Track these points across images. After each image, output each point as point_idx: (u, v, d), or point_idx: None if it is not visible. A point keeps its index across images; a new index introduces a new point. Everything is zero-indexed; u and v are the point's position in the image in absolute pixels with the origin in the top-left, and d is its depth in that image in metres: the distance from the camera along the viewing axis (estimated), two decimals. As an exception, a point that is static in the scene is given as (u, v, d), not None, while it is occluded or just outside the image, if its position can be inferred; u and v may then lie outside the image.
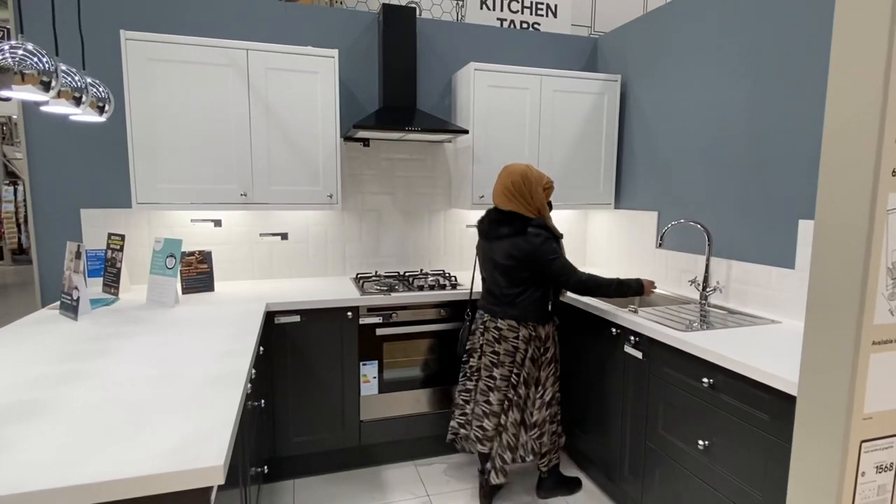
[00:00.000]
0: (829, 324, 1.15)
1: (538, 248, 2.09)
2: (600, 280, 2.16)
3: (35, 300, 2.62)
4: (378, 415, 2.58)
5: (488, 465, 2.25)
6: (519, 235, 2.12)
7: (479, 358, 2.26)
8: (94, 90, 1.69)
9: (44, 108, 1.48)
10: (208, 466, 0.95)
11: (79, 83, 1.46)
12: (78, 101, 1.46)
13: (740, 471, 1.64)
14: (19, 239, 9.02)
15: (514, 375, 2.19)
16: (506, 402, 2.20)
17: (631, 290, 2.21)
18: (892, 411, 1.18)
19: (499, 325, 2.19)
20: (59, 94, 1.40)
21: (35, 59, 1.21)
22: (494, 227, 2.19)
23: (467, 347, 2.35)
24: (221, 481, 0.96)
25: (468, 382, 2.32)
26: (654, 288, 2.30)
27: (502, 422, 2.20)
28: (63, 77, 1.41)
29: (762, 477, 1.57)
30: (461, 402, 2.34)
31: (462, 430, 2.33)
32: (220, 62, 2.40)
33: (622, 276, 2.36)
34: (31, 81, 1.20)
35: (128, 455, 0.98)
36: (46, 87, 1.23)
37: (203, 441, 1.04)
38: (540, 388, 2.21)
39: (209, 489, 0.98)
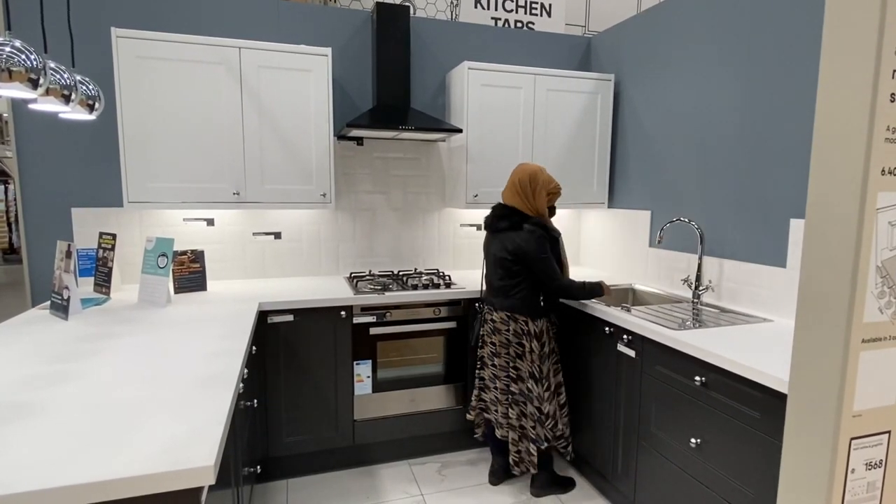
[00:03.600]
0: (819, 322, 1.16)
1: (529, 244, 2.17)
2: (576, 284, 2.26)
3: (26, 300, 2.60)
4: (372, 414, 2.58)
5: (512, 458, 2.31)
6: (514, 230, 2.21)
7: (482, 347, 2.39)
8: (84, 88, 1.68)
9: (32, 106, 1.46)
10: (199, 466, 0.94)
11: (68, 81, 1.45)
12: (67, 99, 1.45)
13: (732, 468, 1.65)
14: (10, 238, 8.94)
15: (511, 369, 2.26)
16: (509, 396, 2.28)
17: (594, 294, 2.30)
18: (881, 409, 1.18)
19: (493, 317, 2.29)
20: (47, 92, 1.39)
21: (22, 57, 1.19)
22: (496, 220, 2.29)
23: (479, 336, 2.45)
24: (212, 481, 0.95)
25: (479, 371, 2.42)
26: (610, 288, 2.38)
27: (514, 413, 2.27)
28: (51, 75, 1.40)
29: (754, 474, 1.58)
30: (476, 392, 2.44)
31: (483, 416, 2.44)
32: (212, 60, 2.38)
33: (592, 279, 2.57)
34: (18, 79, 1.18)
35: (118, 455, 0.97)
36: (34, 84, 1.22)
37: (194, 441, 1.03)
38: (545, 381, 2.27)
39: (200, 489, 0.97)
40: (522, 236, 2.19)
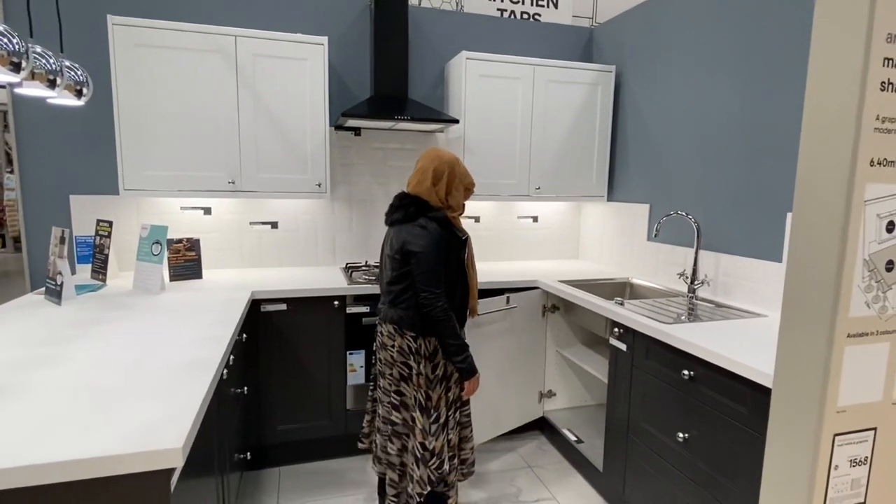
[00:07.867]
0: (805, 316, 1.14)
1: (417, 240, 1.78)
2: (450, 321, 1.78)
3: (26, 287, 2.63)
4: (364, 404, 2.58)
5: (388, 501, 1.93)
6: (410, 222, 1.83)
7: (374, 364, 2.02)
8: (71, 73, 1.68)
9: (18, 91, 1.47)
10: (166, 448, 0.94)
11: (53, 66, 1.45)
12: (53, 84, 1.45)
13: (718, 463, 1.63)
14: (21, 227, 9.06)
15: (394, 394, 1.89)
16: (389, 426, 1.91)
17: (463, 362, 1.83)
18: (866, 405, 1.16)
19: (381, 329, 1.93)
20: (32, 76, 1.39)
21: (4, 41, 1.19)
22: (392, 211, 1.91)
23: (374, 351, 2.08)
24: (180, 464, 0.95)
25: (372, 392, 2.07)
26: (471, 390, 1.90)
27: (394, 447, 1.91)
28: (36, 59, 1.40)
29: (739, 470, 1.56)
30: (368, 417, 2.09)
31: (365, 442, 2.09)
32: (207, 48, 2.38)
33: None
34: (-1, 62, 1.18)
35: (90, 437, 0.97)
36: (17, 67, 1.22)
37: (167, 424, 1.04)
38: (433, 412, 1.85)
39: (170, 472, 0.97)
40: (413, 231, 1.79)
